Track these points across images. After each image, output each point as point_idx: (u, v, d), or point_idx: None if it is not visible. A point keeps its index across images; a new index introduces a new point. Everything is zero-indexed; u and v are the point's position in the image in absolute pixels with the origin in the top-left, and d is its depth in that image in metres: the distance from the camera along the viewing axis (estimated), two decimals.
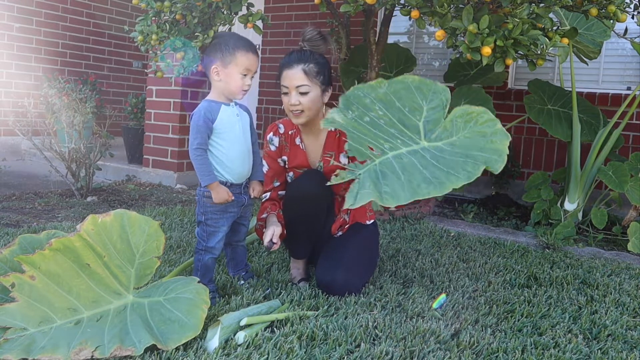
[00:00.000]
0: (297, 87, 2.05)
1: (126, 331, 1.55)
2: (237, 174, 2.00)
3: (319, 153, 2.22)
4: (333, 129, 2.17)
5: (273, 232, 2.04)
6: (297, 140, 2.22)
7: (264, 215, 2.19)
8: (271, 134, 2.24)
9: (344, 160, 2.19)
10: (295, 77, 2.05)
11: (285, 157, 2.24)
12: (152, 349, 1.55)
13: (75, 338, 1.51)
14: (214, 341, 1.60)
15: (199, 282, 1.72)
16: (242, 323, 1.70)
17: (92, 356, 1.47)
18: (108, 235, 1.70)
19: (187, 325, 1.57)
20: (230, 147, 1.97)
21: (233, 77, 1.94)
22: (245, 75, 1.95)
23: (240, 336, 1.64)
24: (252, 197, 2.08)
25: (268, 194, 2.24)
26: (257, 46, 6.16)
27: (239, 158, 1.99)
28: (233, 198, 1.96)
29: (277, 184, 2.26)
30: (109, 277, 1.69)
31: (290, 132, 2.22)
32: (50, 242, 1.61)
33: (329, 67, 2.13)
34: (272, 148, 2.23)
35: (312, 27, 2.13)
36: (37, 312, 1.55)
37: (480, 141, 1.68)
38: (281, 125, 2.24)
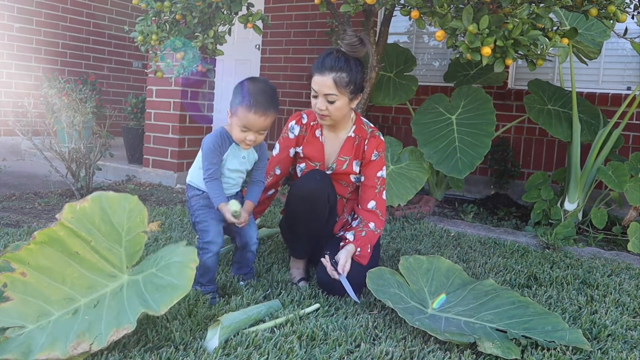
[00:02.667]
0: (326, 94, 2.05)
1: (123, 311, 1.53)
2: None
3: (335, 152, 2.23)
4: (353, 135, 2.21)
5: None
6: (318, 133, 2.24)
7: None
8: (293, 122, 2.26)
9: (356, 168, 2.22)
10: (324, 84, 2.04)
11: (300, 148, 2.25)
12: (151, 349, 1.55)
13: (73, 329, 1.49)
14: (214, 341, 1.60)
15: (187, 244, 1.70)
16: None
17: (90, 349, 1.45)
18: (90, 219, 1.67)
19: (177, 287, 1.55)
20: (222, 173, 2.04)
21: (234, 128, 1.97)
22: (244, 131, 1.94)
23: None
24: (237, 223, 1.99)
25: (269, 178, 2.28)
26: (257, 46, 6.16)
27: (226, 187, 2.05)
28: (241, 222, 1.98)
29: (279, 172, 2.28)
30: (100, 260, 1.66)
31: (312, 123, 2.24)
32: (33, 235, 1.59)
33: (362, 73, 2.11)
34: (291, 136, 2.25)
35: (352, 30, 2.12)
36: (33, 308, 1.53)
37: None
38: (305, 115, 2.26)
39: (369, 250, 2.14)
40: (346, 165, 2.21)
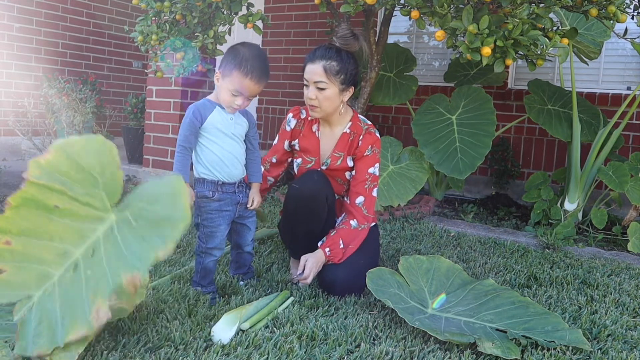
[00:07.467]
0: (315, 82, 2.10)
1: (122, 254, 1.45)
2: (227, 173, 1.99)
3: (330, 147, 2.24)
4: (348, 131, 2.22)
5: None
6: (314, 128, 2.27)
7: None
8: (291, 115, 2.31)
9: (350, 163, 2.23)
10: (315, 72, 2.09)
11: (296, 141, 2.29)
12: (151, 349, 1.55)
13: (82, 293, 1.42)
14: (231, 331, 1.62)
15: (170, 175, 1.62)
16: (245, 327, 1.70)
17: (109, 314, 1.39)
18: (59, 171, 1.57)
19: (176, 218, 1.45)
20: (220, 148, 1.97)
21: (223, 91, 1.95)
22: (235, 95, 1.93)
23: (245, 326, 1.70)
24: (250, 208, 2.08)
25: (266, 165, 2.35)
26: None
27: (229, 159, 1.99)
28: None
29: (274, 161, 2.34)
30: (82, 207, 1.57)
31: (310, 118, 2.28)
32: (7, 202, 1.50)
33: (356, 67, 2.15)
34: (287, 128, 2.30)
35: (346, 25, 2.17)
36: (31, 273, 1.47)
37: None
38: (303, 110, 2.30)
39: (340, 247, 2.10)
40: (340, 161, 2.22)
